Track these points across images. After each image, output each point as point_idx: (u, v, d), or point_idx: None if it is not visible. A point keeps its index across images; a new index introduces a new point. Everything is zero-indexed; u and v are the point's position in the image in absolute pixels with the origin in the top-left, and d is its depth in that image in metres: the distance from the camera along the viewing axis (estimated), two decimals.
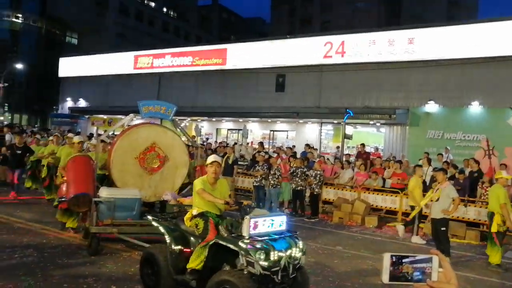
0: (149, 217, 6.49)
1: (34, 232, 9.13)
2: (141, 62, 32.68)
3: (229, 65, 27.76)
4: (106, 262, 7.37)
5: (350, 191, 14.14)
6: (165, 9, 70.58)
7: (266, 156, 15.04)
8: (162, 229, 6.05)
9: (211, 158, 6.29)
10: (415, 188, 11.17)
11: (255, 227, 5.14)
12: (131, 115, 9.41)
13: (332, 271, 7.78)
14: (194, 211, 5.97)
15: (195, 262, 5.43)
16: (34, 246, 8.01)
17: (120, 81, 33.78)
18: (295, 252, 5.23)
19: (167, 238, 5.90)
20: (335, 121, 23.29)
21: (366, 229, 12.22)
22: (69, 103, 37.83)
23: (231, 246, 5.12)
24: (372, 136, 24.44)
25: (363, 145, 18.41)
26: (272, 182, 13.34)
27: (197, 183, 6.02)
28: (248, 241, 5.04)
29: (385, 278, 1.44)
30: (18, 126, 37.18)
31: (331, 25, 51.09)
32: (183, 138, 10.28)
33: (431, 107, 20.53)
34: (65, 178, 8.49)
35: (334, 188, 14.50)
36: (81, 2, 58.63)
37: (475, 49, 19.34)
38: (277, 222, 5.42)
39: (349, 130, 19.19)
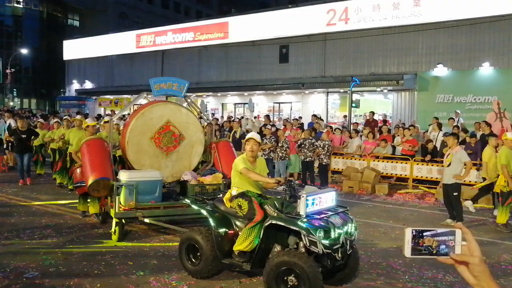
0: (187, 200, 6.29)
1: (51, 213, 9.33)
2: (143, 40, 32.55)
3: (231, 39, 27.53)
4: (122, 239, 7.51)
5: (359, 160, 14.14)
6: None
7: (273, 129, 15.03)
8: (204, 212, 5.84)
9: (248, 135, 6.06)
10: (490, 159, 10.28)
11: (311, 205, 5.01)
12: (143, 93, 9.05)
13: None
14: (234, 191, 5.73)
15: (244, 244, 5.27)
16: (52, 227, 8.21)
17: (124, 60, 33.84)
18: (350, 228, 5.18)
19: (211, 221, 5.68)
20: (341, 90, 23.14)
21: (377, 197, 12.26)
22: (75, 85, 37.97)
23: (291, 226, 4.92)
24: (380, 103, 24.28)
25: (372, 113, 18.31)
26: (280, 154, 13.37)
27: (239, 163, 5.75)
28: (306, 219, 4.89)
29: (407, 252, 1.46)
30: (28, 110, 37.45)
31: None
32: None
33: (440, 70, 20.27)
34: (80, 163, 8.23)
35: (343, 158, 14.51)
36: None
37: (485, 8, 18.94)
38: (329, 198, 5.33)
39: (355, 97, 19.07)
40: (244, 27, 26.95)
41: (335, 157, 14.47)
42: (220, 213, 5.77)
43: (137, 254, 6.78)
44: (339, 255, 4.96)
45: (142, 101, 9.62)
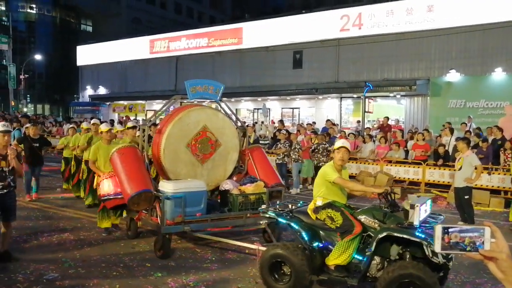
0: (272, 213, 5.76)
1: (68, 217, 9.47)
2: (157, 46, 32.85)
3: (245, 44, 27.72)
4: (139, 242, 7.65)
5: (373, 164, 14.19)
6: None
7: (287, 134, 15.12)
8: (295, 226, 5.47)
9: (339, 143, 5.66)
10: None
11: (422, 214, 4.82)
12: (178, 97, 8.46)
13: None
14: (319, 202, 5.42)
15: (341, 257, 5.02)
16: (70, 230, 8.35)
17: (138, 66, 34.13)
18: None
19: (304, 235, 5.36)
20: (355, 96, 23.19)
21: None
22: (89, 91, 38.36)
23: (412, 238, 4.65)
24: (393, 108, 24.27)
25: (387, 118, 18.37)
26: (293, 157, 13.50)
27: (330, 172, 5.40)
28: (421, 229, 4.68)
29: (437, 247, 1.55)
30: (43, 116, 37.77)
31: None
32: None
33: (453, 76, 20.26)
34: (105, 175, 7.70)
35: (357, 162, 14.56)
36: None
37: (498, 13, 18.96)
38: (428, 206, 5.14)
39: (367, 104, 19.14)
40: (258, 33, 27.14)
41: (348, 162, 14.49)
42: (308, 226, 5.47)
43: (154, 256, 6.87)
44: (450, 264, 4.85)
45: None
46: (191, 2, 70.04)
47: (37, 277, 5.89)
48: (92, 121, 11.95)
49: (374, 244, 4.86)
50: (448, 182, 12.33)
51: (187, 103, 8.37)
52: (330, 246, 5.28)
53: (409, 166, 13.55)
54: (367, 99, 18.72)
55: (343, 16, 23.46)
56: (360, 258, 5.08)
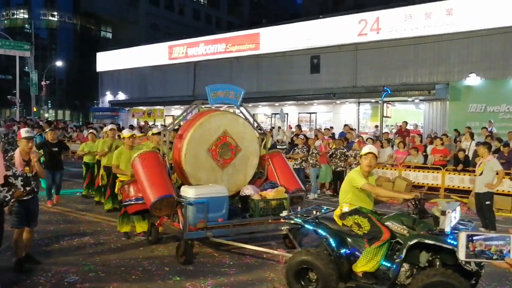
0: (298, 219, 5.76)
1: (88, 221, 9.61)
2: (175, 52, 33.17)
3: (262, 50, 27.81)
4: (157, 246, 7.71)
5: (391, 169, 14.09)
6: None
7: (305, 139, 15.12)
8: (323, 232, 5.43)
9: (366, 148, 5.61)
10: None
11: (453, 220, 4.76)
12: (199, 102, 8.40)
13: None
14: (345, 208, 5.37)
15: (369, 264, 4.98)
16: (90, 234, 8.47)
17: (156, 72, 34.47)
18: None
19: (332, 242, 5.32)
20: (373, 100, 23.08)
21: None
22: (108, 96, 38.87)
23: (444, 245, 4.56)
24: (411, 113, 24.08)
25: (405, 123, 18.25)
26: (311, 162, 13.48)
27: (358, 178, 5.34)
28: (453, 236, 4.57)
29: (462, 255, 1.55)
30: (63, 121, 38.31)
31: (364, 1, 50.01)
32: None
33: (472, 80, 20.02)
34: (127, 179, 7.76)
35: (375, 167, 14.46)
36: None
37: None
38: (458, 212, 5.05)
39: (386, 109, 19.04)
40: (275, 38, 27.22)
41: None
42: (335, 232, 5.43)
43: (173, 260, 6.93)
44: (482, 271, 4.76)
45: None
46: (209, 8, 70.57)
47: (58, 280, 6.00)
48: (109, 127, 12.03)
49: (405, 251, 4.79)
50: (469, 188, 12.19)
51: (205, 109, 8.37)
52: (357, 253, 5.23)
53: (428, 171, 13.43)
54: (385, 104, 18.60)
55: (361, 21, 23.39)
56: (389, 265, 5.01)
